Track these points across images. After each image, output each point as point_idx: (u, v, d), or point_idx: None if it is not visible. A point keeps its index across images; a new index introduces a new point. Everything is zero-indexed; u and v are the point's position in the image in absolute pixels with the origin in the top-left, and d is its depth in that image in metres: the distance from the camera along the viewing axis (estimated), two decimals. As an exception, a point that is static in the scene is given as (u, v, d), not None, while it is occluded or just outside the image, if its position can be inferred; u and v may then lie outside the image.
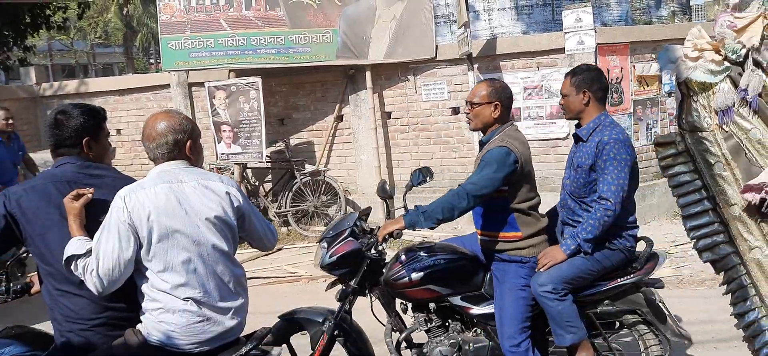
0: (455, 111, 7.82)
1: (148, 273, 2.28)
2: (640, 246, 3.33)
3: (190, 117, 3.93)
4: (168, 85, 8.27)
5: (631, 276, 3.14)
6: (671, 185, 2.09)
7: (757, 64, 1.86)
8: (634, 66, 7.37)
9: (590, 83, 3.12)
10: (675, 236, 6.81)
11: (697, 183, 2.02)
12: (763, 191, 1.83)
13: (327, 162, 8.31)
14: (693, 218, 2.06)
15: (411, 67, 7.80)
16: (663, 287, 3.30)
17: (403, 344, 3.39)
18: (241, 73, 7.91)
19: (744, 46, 1.86)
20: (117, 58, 33.31)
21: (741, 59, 1.88)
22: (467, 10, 6.95)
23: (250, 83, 7.68)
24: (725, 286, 2.05)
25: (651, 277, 3.24)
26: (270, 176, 8.36)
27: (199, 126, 2.58)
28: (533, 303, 3.11)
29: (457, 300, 3.24)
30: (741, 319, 2.02)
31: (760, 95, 1.85)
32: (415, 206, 3.13)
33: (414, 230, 3.18)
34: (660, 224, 7.50)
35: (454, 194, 3.01)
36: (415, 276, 3.17)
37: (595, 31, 7.03)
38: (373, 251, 3.16)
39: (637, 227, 3.18)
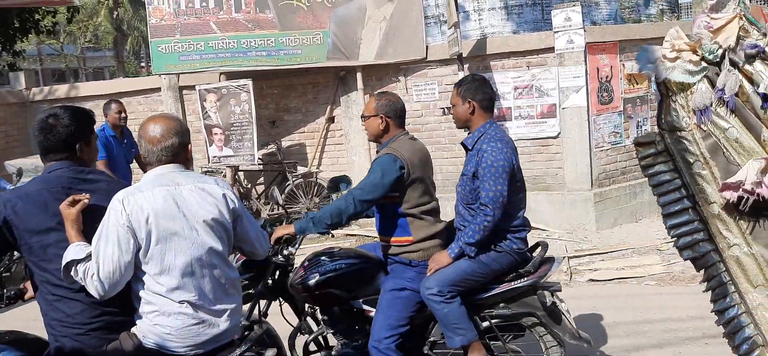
0: (446, 111, 7.84)
1: (144, 277, 2.29)
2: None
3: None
4: (159, 89, 8.26)
5: (524, 279, 3.24)
6: (651, 184, 2.12)
7: (734, 64, 1.88)
8: (623, 64, 7.41)
9: (474, 93, 3.24)
10: (666, 233, 6.86)
11: (677, 182, 2.04)
12: (741, 189, 1.86)
13: (319, 164, 8.32)
14: (673, 216, 2.08)
15: (402, 68, 7.82)
16: (560, 290, 3.40)
17: (312, 346, 3.49)
18: (231, 75, 7.92)
19: (720, 47, 1.89)
20: (108, 62, 33.15)
21: (718, 59, 1.90)
22: (457, 10, 6.98)
23: (240, 86, 7.69)
24: (706, 283, 2.09)
25: (547, 280, 3.35)
26: (262, 179, 8.37)
27: (190, 129, 2.61)
28: (417, 306, 3.21)
29: (358, 303, 3.35)
30: (721, 316, 2.04)
31: (736, 95, 1.88)
32: (306, 211, 3.24)
33: (304, 235, 3.32)
34: (651, 222, 7.55)
35: (343, 200, 3.16)
36: (317, 280, 3.28)
37: (585, 30, 7.07)
38: (280, 257, 3.26)
39: (526, 230, 3.29)
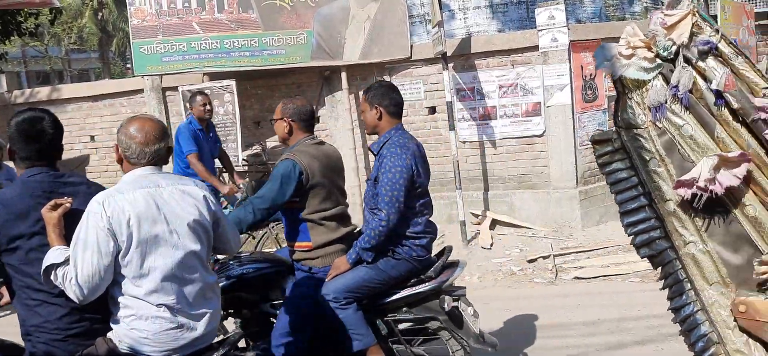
0: (432, 110, 7.84)
1: (122, 280, 2.27)
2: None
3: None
4: (142, 91, 8.22)
5: (426, 284, 3.28)
6: (608, 182, 2.11)
7: (687, 60, 1.88)
8: (607, 62, 7.41)
9: (381, 99, 3.27)
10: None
11: (634, 180, 2.04)
12: (695, 186, 1.85)
13: (304, 164, 8.29)
14: (630, 214, 2.08)
15: (386, 67, 7.81)
16: (464, 294, 3.44)
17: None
18: (215, 76, 7.89)
19: (674, 43, 1.89)
20: (93, 64, 32.84)
21: (672, 56, 1.90)
22: (440, 9, 6.97)
23: (224, 86, 7.66)
24: (663, 281, 2.08)
25: (452, 285, 3.40)
26: (247, 180, 8.33)
27: (172, 130, 2.63)
28: (317, 312, 3.23)
29: (266, 307, 3.40)
30: (677, 313, 2.04)
31: (690, 92, 1.88)
32: None
33: None
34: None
35: (243, 209, 3.21)
36: (225, 283, 3.30)
37: (568, 29, 7.07)
38: None
39: (427, 236, 3.30)
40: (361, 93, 3.46)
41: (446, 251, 3.47)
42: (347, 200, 3.55)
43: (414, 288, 3.29)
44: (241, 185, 6.07)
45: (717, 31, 1.87)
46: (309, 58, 7.71)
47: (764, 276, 1.85)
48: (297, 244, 3.29)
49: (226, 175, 6.71)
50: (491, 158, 7.67)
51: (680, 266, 2.00)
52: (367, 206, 3.29)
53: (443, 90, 7.25)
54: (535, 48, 7.19)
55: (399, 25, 7.62)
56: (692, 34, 1.88)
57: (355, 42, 7.67)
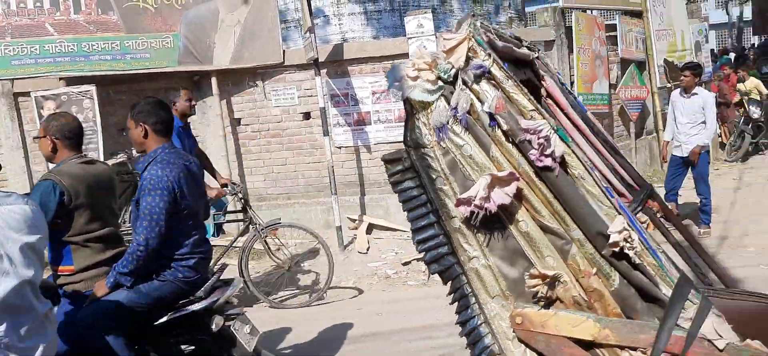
0: (307, 116, 7.80)
1: None
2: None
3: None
4: (-10, 96, 7.57)
5: (195, 304, 3.27)
6: (400, 200, 2.17)
7: (465, 83, 1.97)
8: (473, 70, 7.69)
9: (146, 117, 3.24)
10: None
11: (423, 198, 2.10)
12: (472, 204, 1.95)
13: (175, 172, 7.97)
14: (420, 231, 2.14)
15: (259, 72, 7.69)
16: (240, 314, 3.48)
17: None
18: (72, 81, 7.40)
19: (453, 67, 1.97)
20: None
21: (452, 79, 1.99)
22: (311, 15, 6.94)
23: (83, 92, 7.21)
24: (451, 295, 2.17)
25: (228, 303, 3.43)
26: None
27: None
28: (83, 340, 3.13)
29: None
30: (464, 326, 2.13)
31: (469, 113, 1.97)
32: None
33: None
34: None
35: None
36: None
37: (436, 37, 7.26)
38: None
39: (195, 256, 3.29)
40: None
41: (219, 269, 3.48)
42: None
43: (182, 310, 3.22)
44: (230, 187, 5.57)
45: (489, 55, 1.97)
46: (176, 62, 7.43)
47: (535, 288, 1.97)
48: (60, 268, 3.15)
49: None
50: (366, 163, 7.74)
51: (466, 280, 2.08)
52: (133, 228, 3.19)
53: (317, 96, 7.23)
54: (406, 55, 7.32)
55: (270, 30, 7.52)
56: (468, 58, 1.96)
57: (225, 46, 7.48)
